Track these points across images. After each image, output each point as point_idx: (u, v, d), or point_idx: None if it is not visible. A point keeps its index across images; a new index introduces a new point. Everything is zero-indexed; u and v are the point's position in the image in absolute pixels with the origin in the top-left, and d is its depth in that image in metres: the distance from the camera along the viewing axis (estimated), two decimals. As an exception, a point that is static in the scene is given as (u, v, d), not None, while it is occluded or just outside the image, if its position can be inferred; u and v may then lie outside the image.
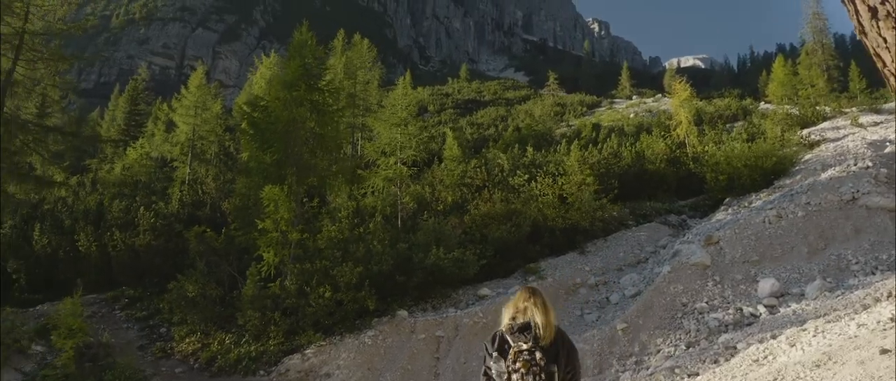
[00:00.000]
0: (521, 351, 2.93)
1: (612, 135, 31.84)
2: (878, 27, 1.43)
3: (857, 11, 1.52)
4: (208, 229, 15.46)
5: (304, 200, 21.09)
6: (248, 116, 15.53)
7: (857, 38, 1.61)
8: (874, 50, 1.50)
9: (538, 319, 2.99)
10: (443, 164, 23.20)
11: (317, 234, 14.79)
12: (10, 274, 17.35)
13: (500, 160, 23.57)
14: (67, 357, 11.35)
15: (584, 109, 58.85)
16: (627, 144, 26.46)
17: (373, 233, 14.75)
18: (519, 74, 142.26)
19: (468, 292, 14.24)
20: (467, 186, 20.33)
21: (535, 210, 17.16)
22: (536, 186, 18.64)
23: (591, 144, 26.60)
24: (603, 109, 58.59)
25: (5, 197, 17.33)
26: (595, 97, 66.79)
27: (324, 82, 16.92)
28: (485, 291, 14.07)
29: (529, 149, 25.24)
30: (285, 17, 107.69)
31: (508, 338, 3.00)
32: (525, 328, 2.98)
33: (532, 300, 3.09)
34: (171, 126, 33.70)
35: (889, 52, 1.42)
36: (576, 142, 25.98)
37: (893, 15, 1.37)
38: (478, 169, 21.29)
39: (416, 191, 20.69)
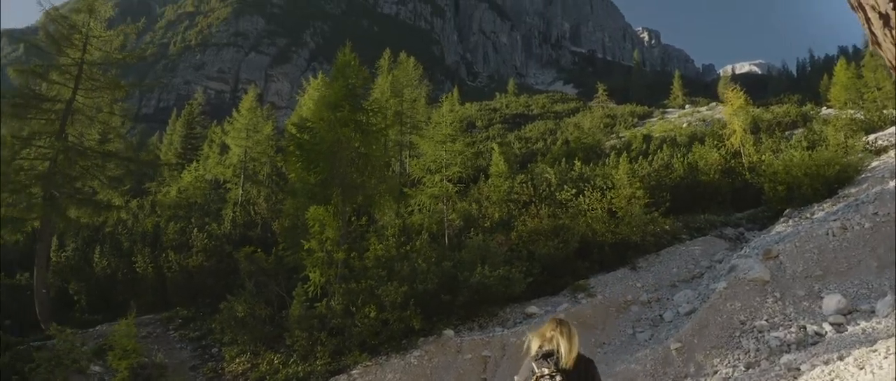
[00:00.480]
0: (542, 376, 3.09)
1: (664, 146, 31.06)
2: (893, 36, 1.23)
3: (868, 19, 1.33)
4: (259, 249, 15.69)
5: (352, 218, 21.24)
6: (294, 137, 15.73)
7: (870, 50, 1.41)
8: (891, 62, 1.30)
9: (562, 346, 3.15)
10: (489, 180, 23.02)
11: (364, 252, 14.83)
12: (72, 296, 17.99)
13: (547, 175, 23.25)
14: (122, 378, 11.61)
15: (635, 119, 57.83)
16: (679, 154, 25.72)
17: (418, 251, 14.66)
18: (567, 86, 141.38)
19: (515, 310, 13.98)
20: (514, 201, 20.09)
21: (583, 225, 16.79)
22: (584, 201, 18.25)
23: (641, 156, 25.99)
24: (654, 119, 57.44)
25: (69, 221, 18.04)
26: (646, 107, 65.59)
27: (368, 102, 17.06)
28: (532, 309, 13.79)
29: (577, 162, 24.81)
30: (334, 38, 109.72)
31: (533, 365, 3.17)
32: (548, 355, 3.15)
33: (558, 329, 3.25)
34: (224, 149, 34.63)
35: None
36: (624, 154, 25.42)
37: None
38: (524, 184, 21.02)
39: (463, 208, 20.56)
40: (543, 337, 3.28)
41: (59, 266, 18.80)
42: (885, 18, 1.29)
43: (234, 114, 31.43)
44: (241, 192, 27.69)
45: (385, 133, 16.93)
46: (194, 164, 33.56)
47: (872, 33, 1.37)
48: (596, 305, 13.66)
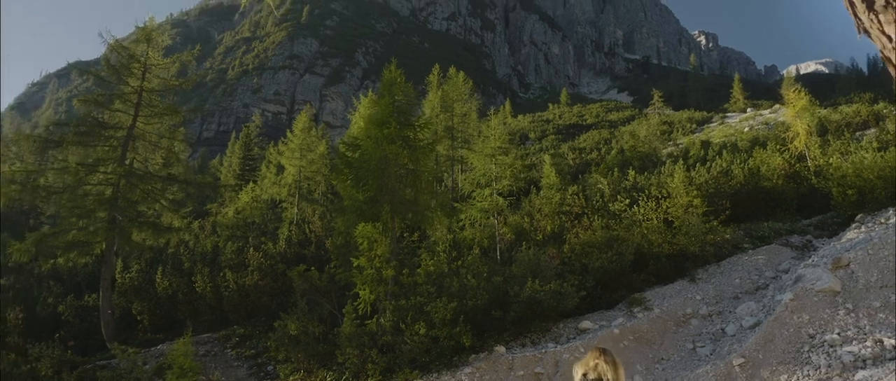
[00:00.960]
0: None
1: (724, 152, 30.01)
2: (879, 22, 1.04)
3: (852, 4, 1.13)
4: (312, 268, 15.86)
5: (405, 234, 21.24)
6: (343, 155, 15.86)
7: (858, 37, 1.20)
8: (882, 54, 1.11)
9: (608, 374, 3.14)
10: (541, 192, 22.69)
11: (416, 268, 14.77)
12: (135, 315, 18.57)
13: (600, 185, 22.75)
14: (179, 396, 11.84)
15: (694, 125, 56.30)
16: (739, 160, 24.76)
17: (468, 267, 14.49)
18: (622, 94, 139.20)
19: (568, 325, 13.60)
20: (566, 213, 19.71)
21: (638, 236, 16.27)
22: (639, 211, 17.72)
23: (698, 163, 25.14)
24: (714, 124, 55.76)
25: (131, 244, 18.67)
26: (705, 113, 63.81)
27: (416, 118, 17.08)
28: (586, 324, 13.38)
29: (631, 172, 24.19)
30: (386, 56, 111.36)
31: None
32: None
33: (602, 358, 3.26)
34: (281, 169, 35.39)
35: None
36: (680, 162, 24.65)
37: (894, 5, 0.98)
38: (576, 196, 20.60)
39: (515, 221, 20.31)
40: (587, 366, 3.25)
41: (124, 287, 19.45)
42: (868, 2, 1.10)
43: (288, 134, 32.11)
44: (296, 211, 28.16)
45: (433, 148, 16.86)
46: (251, 184, 34.40)
47: (857, 18, 1.18)
48: (653, 319, 13.16)
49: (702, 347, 11.99)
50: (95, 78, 19.61)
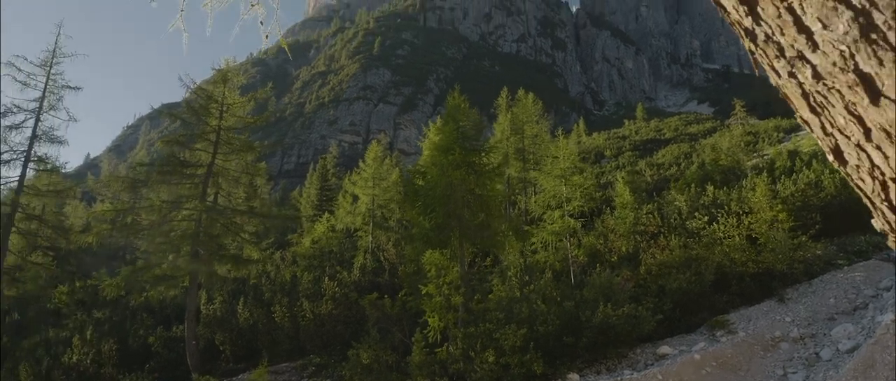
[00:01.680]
0: None
1: (813, 161, 28.33)
2: (766, 56, 0.87)
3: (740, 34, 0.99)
4: (385, 296, 16.00)
5: (476, 259, 21.10)
6: (409, 183, 15.99)
7: (756, 73, 1.00)
8: (776, 84, 0.93)
9: None
10: (615, 212, 22.07)
11: (488, 294, 14.61)
12: (218, 346, 19.21)
13: (677, 202, 21.89)
14: (256, 427, 12.08)
15: (781, 135, 53.73)
16: (830, 170, 23.28)
17: (536, 291, 14.19)
18: (702, 105, 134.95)
19: (646, 350, 13.02)
20: (641, 233, 19.03)
21: (719, 255, 15.49)
22: (719, 228, 16.88)
23: (784, 175, 23.82)
24: (803, 132, 52.90)
25: (214, 276, 19.42)
26: (793, 120, 60.67)
27: (482, 143, 17.04)
28: (665, 349, 12.77)
29: (709, 187, 23.17)
30: (457, 81, 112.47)
31: None
32: None
33: None
34: (356, 198, 36.11)
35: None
36: (763, 174, 23.41)
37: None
38: (651, 215, 19.89)
39: (589, 242, 19.81)
40: None
41: (208, 318, 20.19)
42: (751, 36, 0.92)
43: (361, 164, 32.76)
44: (370, 239, 28.56)
45: (500, 172, 16.74)
46: (326, 215, 35.22)
47: (750, 51, 0.99)
48: (738, 343, 12.43)
49: (793, 373, 11.20)
50: (178, 119, 20.69)
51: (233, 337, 19.29)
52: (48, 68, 20.02)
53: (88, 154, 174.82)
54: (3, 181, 19.18)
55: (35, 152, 19.47)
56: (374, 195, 30.49)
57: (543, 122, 37.90)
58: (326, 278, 20.61)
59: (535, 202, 20.90)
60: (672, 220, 19.50)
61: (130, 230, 19.42)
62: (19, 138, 19.21)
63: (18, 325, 25.10)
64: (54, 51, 20.23)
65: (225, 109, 19.62)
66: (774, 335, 12.70)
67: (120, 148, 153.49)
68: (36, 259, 20.64)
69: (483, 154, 16.07)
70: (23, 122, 19.34)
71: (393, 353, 14.39)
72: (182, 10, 2.65)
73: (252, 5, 3.09)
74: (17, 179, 19.05)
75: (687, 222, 18.54)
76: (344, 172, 61.22)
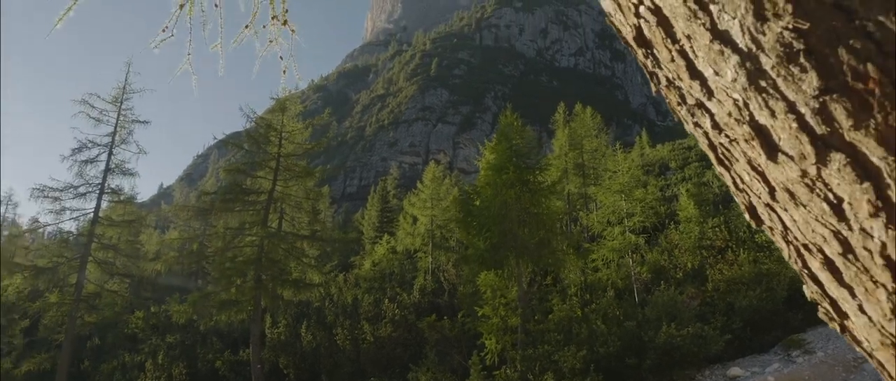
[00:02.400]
0: None
1: None
2: (706, 126, 0.74)
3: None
4: (444, 317, 15.94)
5: (537, 278, 20.81)
6: (463, 204, 15.93)
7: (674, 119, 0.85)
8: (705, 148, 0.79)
9: None
10: (679, 226, 21.36)
11: (548, 314, 14.34)
12: (282, 369, 19.53)
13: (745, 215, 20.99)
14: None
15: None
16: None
17: (597, 311, 13.81)
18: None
19: (715, 372, 12.43)
20: (707, 248, 18.32)
21: (792, 270, 14.69)
22: (791, 241, 16.04)
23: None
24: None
25: (278, 300, 19.81)
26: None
27: (537, 160, 16.84)
28: (736, 370, 12.16)
29: (780, 197, 22.09)
30: (515, 99, 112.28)
31: None
32: None
33: None
34: (416, 219, 36.34)
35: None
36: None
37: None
38: (718, 228, 19.13)
39: (653, 259, 19.21)
40: None
41: (273, 342, 20.58)
42: (655, 79, 0.78)
43: (419, 185, 32.96)
44: (430, 259, 28.60)
45: (555, 190, 16.49)
46: (386, 237, 35.51)
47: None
48: (816, 364, 11.72)
49: (877, 396, 10.45)
50: (239, 149, 21.34)
51: (296, 361, 19.58)
52: (119, 104, 21.06)
53: (162, 183, 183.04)
54: (80, 213, 20.18)
55: (108, 185, 20.43)
56: (432, 216, 30.57)
57: (603, 135, 37.35)
58: (387, 300, 20.72)
59: (594, 218, 20.46)
60: (740, 233, 18.70)
61: (197, 257, 20.11)
62: (94, 172, 20.23)
63: (98, 350, 26.29)
64: (124, 87, 21.28)
65: (284, 136, 20.12)
66: (857, 356, 11.90)
67: (191, 177, 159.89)
68: (112, 287, 21.56)
69: (537, 172, 15.86)
70: (97, 156, 20.37)
71: (452, 376, 14.27)
72: (189, 54, 2.67)
73: (270, 41, 3.11)
74: (93, 210, 20.00)
75: (756, 236, 17.74)
76: (404, 193, 61.75)
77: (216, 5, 2.94)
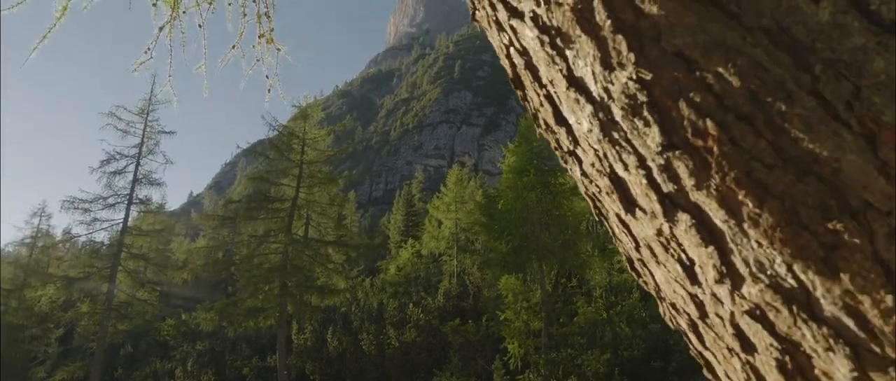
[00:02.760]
0: None
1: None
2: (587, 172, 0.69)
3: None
4: (469, 321, 15.90)
5: (562, 280, 20.65)
6: (485, 207, 15.86)
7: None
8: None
9: None
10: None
11: (574, 317, 14.21)
12: (308, 375, 19.67)
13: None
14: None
15: None
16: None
17: (621, 313, 13.64)
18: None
19: (743, 374, 12.17)
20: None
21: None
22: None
23: None
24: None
25: (303, 307, 19.96)
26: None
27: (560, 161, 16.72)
28: (764, 372, 11.88)
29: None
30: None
31: None
32: None
33: None
34: (441, 222, 36.32)
35: None
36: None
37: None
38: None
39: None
40: None
41: (299, 348, 20.74)
42: (536, 121, 0.74)
43: (442, 188, 32.94)
44: (455, 263, 28.56)
45: (577, 191, 16.32)
46: (410, 241, 35.54)
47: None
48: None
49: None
50: (263, 157, 21.56)
51: (322, 366, 19.70)
52: (145, 116, 21.44)
53: (191, 192, 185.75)
54: (110, 224, 20.57)
55: (136, 195, 20.80)
56: (456, 219, 30.53)
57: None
58: (411, 305, 20.73)
59: (618, 219, 20.21)
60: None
61: (224, 265, 20.36)
62: (122, 183, 20.61)
63: (131, 357, 26.79)
64: (150, 99, 21.66)
65: (307, 143, 20.27)
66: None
67: (220, 185, 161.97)
68: (142, 296, 21.93)
69: (559, 174, 15.72)
70: (125, 167, 20.75)
71: (476, 380, 14.24)
72: (170, 76, 2.68)
73: (256, 60, 3.10)
74: (122, 221, 20.39)
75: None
76: (430, 196, 61.81)
77: (200, 26, 2.96)
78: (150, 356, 25.61)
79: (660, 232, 0.61)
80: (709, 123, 0.51)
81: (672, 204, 0.57)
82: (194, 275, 18.86)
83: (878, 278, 0.44)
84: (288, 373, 18.41)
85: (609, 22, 0.56)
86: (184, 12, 2.97)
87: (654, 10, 0.53)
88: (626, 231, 0.72)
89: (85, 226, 20.08)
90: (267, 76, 3.22)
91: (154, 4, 2.65)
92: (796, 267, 0.48)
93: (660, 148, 0.55)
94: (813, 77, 0.48)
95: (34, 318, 23.13)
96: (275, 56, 3.21)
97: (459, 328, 15.82)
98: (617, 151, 0.62)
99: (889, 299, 0.44)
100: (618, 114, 0.59)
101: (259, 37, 3.12)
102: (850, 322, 0.46)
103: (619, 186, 0.65)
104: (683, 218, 0.56)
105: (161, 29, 2.70)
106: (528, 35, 0.70)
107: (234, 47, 2.94)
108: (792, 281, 0.49)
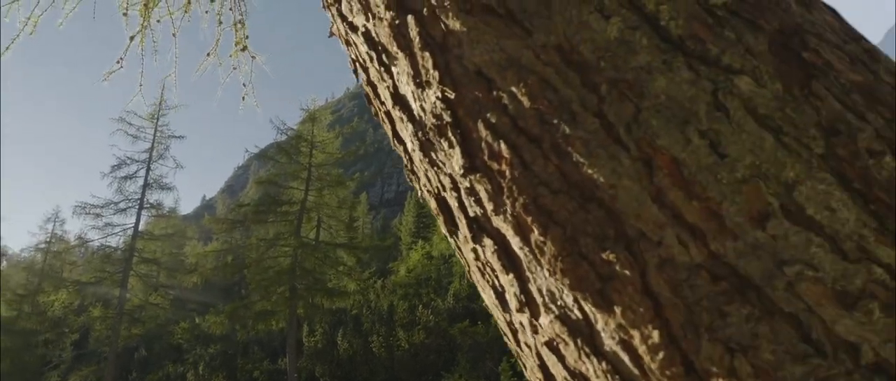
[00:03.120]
0: None
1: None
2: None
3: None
4: (479, 323, 15.86)
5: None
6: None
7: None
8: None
9: None
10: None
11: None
12: (318, 378, 19.71)
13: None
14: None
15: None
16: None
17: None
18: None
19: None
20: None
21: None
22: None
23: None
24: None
25: (314, 309, 20.01)
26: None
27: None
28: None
29: None
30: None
31: None
32: None
33: None
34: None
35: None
36: None
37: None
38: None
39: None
40: None
41: (310, 351, 20.79)
42: (406, 160, 0.72)
43: (452, 190, 32.90)
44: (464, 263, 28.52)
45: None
46: (420, 242, 35.54)
47: None
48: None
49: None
50: (273, 160, 21.65)
51: (332, 369, 19.74)
52: (155, 121, 21.62)
53: (205, 195, 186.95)
54: (122, 228, 20.77)
55: (147, 200, 20.97)
56: (466, 220, 30.45)
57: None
58: (421, 307, 20.71)
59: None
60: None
61: (234, 269, 20.44)
62: (133, 188, 20.78)
63: (145, 361, 26.99)
64: (160, 104, 21.83)
65: (315, 146, 20.32)
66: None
67: (232, 188, 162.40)
68: (155, 300, 22.08)
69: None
70: (135, 172, 20.94)
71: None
72: (141, 85, 2.69)
73: (233, 68, 3.10)
74: (133, 225, 20.57)
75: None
76: (441, 197, 61.67)
77: (173, 35, 2.96)
78: (163, 360, 25.78)
79: (476, 256, 0.59)
80: (502, 145, 0.49)
81: (479, 228, 0.54)
82: (204, 279, 18.98)
83: (647, 312, 0.41)
84: (298, 376, 18.47)
85: (418, 38, 0.54)
86: (158, 21, 2.98)
87: (457, 25, 0.51)
88: (460, 254, 0.69)
89: (97, 231, 20.29)
90: (244, 84, 3.22)
91: (124, 14, 2.65)
92: (579, 298, 0.46)
93: (462, 170, 0.53)
94: (599, 98, 0.45)
95: (47, 322, 23.36)
96: (272, 61, 3.21)
97: (468, 330, 15.79)
98: (436, 172, 0.59)
99: (656, 334, 0.41)
100: (430, 134, 0.57)
101: (235, 44, 3.12)
102: (625, 357, 0.43)
103: (444, 207, 0.63)
104: (488, 243, 0.54)
105: (132, 39, 2.71)
106: (362, 51, 0.68)
107: (209, 55, 2.94)
108: (578, 313, 0.46)
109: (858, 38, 0.47)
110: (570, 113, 0.46)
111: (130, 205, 20.61)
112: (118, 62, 2.78)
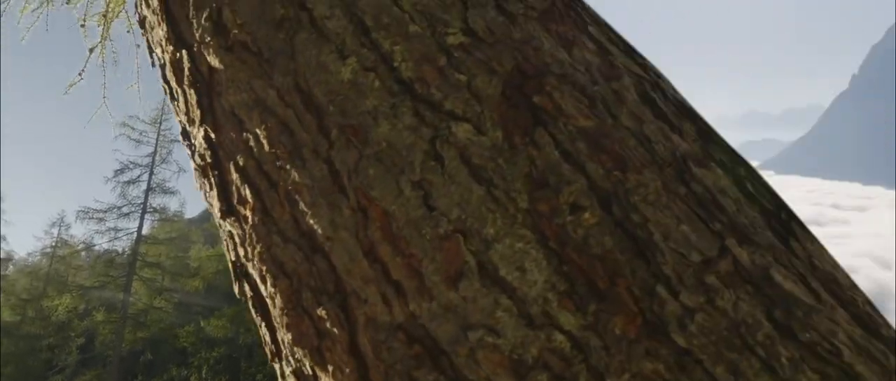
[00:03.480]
0: None
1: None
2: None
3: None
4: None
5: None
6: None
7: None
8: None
9: None
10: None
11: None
12: None
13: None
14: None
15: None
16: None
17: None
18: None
19: None
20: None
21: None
22: None
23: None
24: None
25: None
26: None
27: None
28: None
29: None
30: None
31: None
32: None
33: None
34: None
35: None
36: None
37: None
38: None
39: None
40: None
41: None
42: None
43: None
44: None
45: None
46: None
47: None
48: None
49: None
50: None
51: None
52: (158, 124, 21.70)
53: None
54: (125, 233, 20.85)
55: (150, 204, 21.04)
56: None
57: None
58: (423, 309, 20.80)
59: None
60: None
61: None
62: (136, 192, 20.87)
63: (151, 364, 27.05)
64: (163, 107, 21.90)
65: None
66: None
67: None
68: (159, 304, 22.15)
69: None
70: (138, 176, 21.02)
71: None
72: (104, 98, 2.68)
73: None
74: (136, 230, 20.65)
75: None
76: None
77: (137, 45, 2.95)
78: (168, 364, 25.82)
79: (245, 299, 0.57)
80: (248, 190, 0.47)
81: (242, 274, 0.52)
82: (208, 282, 19.02)
83: (353, 373, 0.39)
84: (300, 379, 18.50)
85: (188, 75, 0.52)
86: (129, 31, 2.98)
87: (216, 62, 0.49)
88: None
89: (101, 235, 20.37)
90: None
91: (82, 25, 2.65)
92: (301, 355, 0.43)
93: (220, 213, 0.51)
94: (329, 143, 0.43)
95: (51, 327, 23.45)
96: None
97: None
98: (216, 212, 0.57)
99: (359, 397, 0.39)
100: (197, 174, 0.55)
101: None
102: (342, 419, 0.41)
103: (232, 248, 0.61)
104: (246, 289, 0.52)
105: (91, 51, 2.70)
106: (163, 84, 0.66)
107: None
108: (308, 369, 0.44)
109: (616, 77, 0.45)
110: (301, 159, 0.43)
111: (134, 209, 20.70)
112: (79, 75, 2.78)
